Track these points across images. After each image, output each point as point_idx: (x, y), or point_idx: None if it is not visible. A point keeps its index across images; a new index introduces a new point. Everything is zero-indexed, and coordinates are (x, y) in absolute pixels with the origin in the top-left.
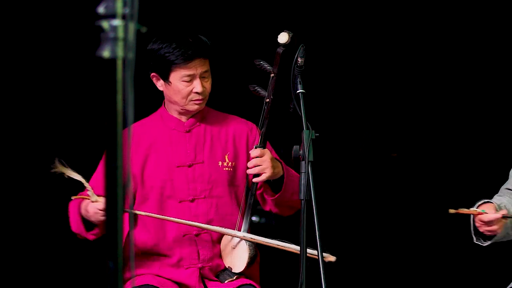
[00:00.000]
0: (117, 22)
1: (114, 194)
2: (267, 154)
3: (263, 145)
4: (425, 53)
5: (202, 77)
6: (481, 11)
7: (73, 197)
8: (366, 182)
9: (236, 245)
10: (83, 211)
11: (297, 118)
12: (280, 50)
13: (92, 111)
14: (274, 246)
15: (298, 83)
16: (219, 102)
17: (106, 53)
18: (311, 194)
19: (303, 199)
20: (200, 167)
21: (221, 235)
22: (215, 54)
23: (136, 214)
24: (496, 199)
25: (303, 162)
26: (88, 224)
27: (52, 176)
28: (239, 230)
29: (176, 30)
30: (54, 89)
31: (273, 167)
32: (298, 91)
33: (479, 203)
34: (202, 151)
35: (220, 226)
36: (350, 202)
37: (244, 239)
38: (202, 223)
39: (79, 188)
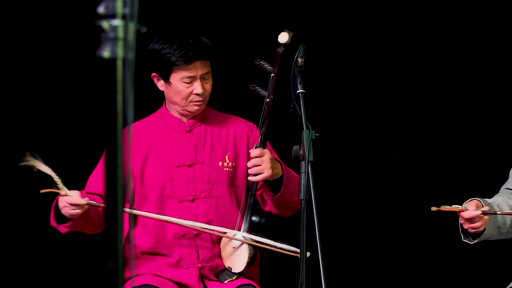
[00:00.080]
0: (117, 22)
1: (114, 194)
2: (267, 154)
3: (263, 145)
4: (425, 53)
5: (202, 79)
6: (481, 11)
7: (42, 191)
8: (366, 182)
9: (236, 245)
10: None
11: (297, 118)
12: (280, 50)
13: (92, 111)
14: (272, 249)
15: (298, 83)
16: (219, 102)
17: (106, 53)
18: (311, 194)
19: (303, 199)
20: (200, 167)
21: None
22: (216, 55)
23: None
24: (493, 198)
25: (303, 162)
26: (60, 216)
27: (54, 173)
28: (239, 230)
29: (178, 30)
30: (54, 89)
31: (273, 167)
32: (298, 91)
33: (467, 201)
34: (202, 151)
35: (220, 226)
36: (350, 202)
37: (245, 242)
38: (202, 223)
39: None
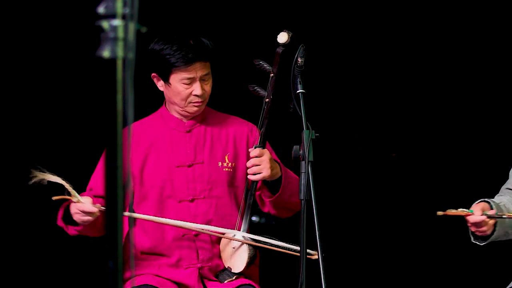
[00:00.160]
0: (117, 22)
1: (114, 194)
2: (266, 154)
3: (262, 145)
4: (425, 53)
5: (202, 80)
6: (481, 11)
7: (54, 198)
8: (365, 182)
9: (235, 246)
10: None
11: (297, 118)
12: (279, 50)
13: (92, 111)
14: (272, 248)
15: (298, 83)
16: (219, 102)
17: (106, 53)
18: (311, 194)
19: (303, 199)
20: (200, 167)
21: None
22: (216, 56)
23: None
24: (497, 198)
25: (303, 162)
26: (70, 219)
27: (65, 181)
28: (239, 230)
29: (178, 31)
30: (54, 89)
31: (272, 168)
32: (298, 91)
33: (476, 202)
34: (202, 151)
35: (220, 226)
36: (350, 202)
37: (245, 243)
38: (201, 224)
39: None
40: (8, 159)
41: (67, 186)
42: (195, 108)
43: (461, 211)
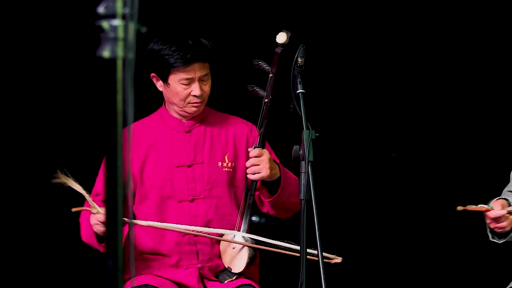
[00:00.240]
0: (117, 22)
1: (114, 194)
2: (266, 154)
3: (262, 145)
4: (425, 53)
5: (201, 80)
6: (481, 11)
7: (73, 209)
8: (366, 182)
9: (235, 246)
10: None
11: (297, 118)
12: (278, 50)
13: (92, 111)
14: (272, 250)
15: (298, 83)
16: (218, 102)
17: (106, 53)
18: (311, 194)
19: (303, 199)
20: (200, 167)
21: (221, 235)
22: (215, 57)
23: (135, 213)
24: (510, 196)
25: (303, 162)
26: (100, 236)
27: (53, 179)
28: (239, 230)
29: (177, 31)
30: (54, 89)
31: (271, 168)
32: (298, 91)
33: (492, 200)
34: (202, 151)
35: (220, 227)
36: (350, 202)
37: (246, 245)
38: (201, 224)
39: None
40: (8, 159)
41: (87, 196)
42: (194, 109)
43: (480, 207)
